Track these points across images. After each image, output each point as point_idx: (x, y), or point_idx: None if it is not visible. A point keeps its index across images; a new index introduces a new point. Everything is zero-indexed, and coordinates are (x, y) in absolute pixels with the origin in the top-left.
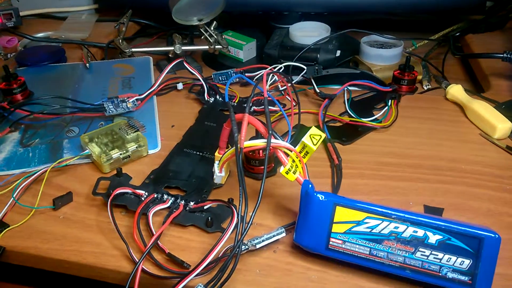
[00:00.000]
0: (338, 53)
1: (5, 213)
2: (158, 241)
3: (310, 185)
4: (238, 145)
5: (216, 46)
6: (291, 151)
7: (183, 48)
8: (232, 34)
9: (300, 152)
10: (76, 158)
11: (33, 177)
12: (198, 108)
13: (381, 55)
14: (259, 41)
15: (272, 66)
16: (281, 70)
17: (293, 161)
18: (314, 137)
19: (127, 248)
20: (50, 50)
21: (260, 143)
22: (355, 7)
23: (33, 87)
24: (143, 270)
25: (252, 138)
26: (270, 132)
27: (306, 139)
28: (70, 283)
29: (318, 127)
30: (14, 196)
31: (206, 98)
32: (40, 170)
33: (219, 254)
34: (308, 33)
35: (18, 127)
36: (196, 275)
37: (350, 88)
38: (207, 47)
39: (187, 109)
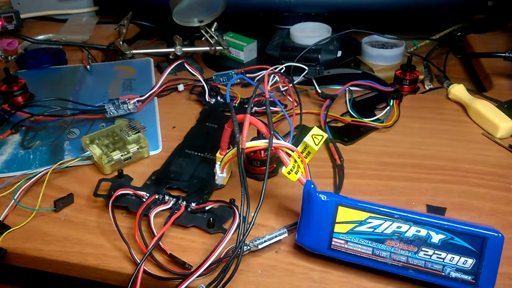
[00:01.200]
0: (339, 53)
1: (6, 215)
2: (160, 242)
3: (312, 185)
4: (240, 146)
5: (217, 47)
6: (293, 151)
7: (184, 49)
8: (233, 35)
9: (302, 152)
10: (77, 159)
11: (34, 179)
12: (199, 109)
13: (383, 55)
14: (260, 42)
15: (273, 67)
16: (282, 71)
17: (295, 161)
18: (316, 137)
19: (129, 250)
20: (50, 52)
21: (261, 143)
22: (355, 8)
23: (34, 90)
24: (144, 271)
25: (253, 139)
26: (272, 132)
27: (308, 139)
28: (71, 284)
29: (320, 127)
30: (15, 198)
31: (207, 99)
32: (41, 172)
33: (221, 255)
34: (309, 33)
35: (19, 129)
36: (198, 276)
37: (351, 88)
38: (208, 48)
39: (188, 110)
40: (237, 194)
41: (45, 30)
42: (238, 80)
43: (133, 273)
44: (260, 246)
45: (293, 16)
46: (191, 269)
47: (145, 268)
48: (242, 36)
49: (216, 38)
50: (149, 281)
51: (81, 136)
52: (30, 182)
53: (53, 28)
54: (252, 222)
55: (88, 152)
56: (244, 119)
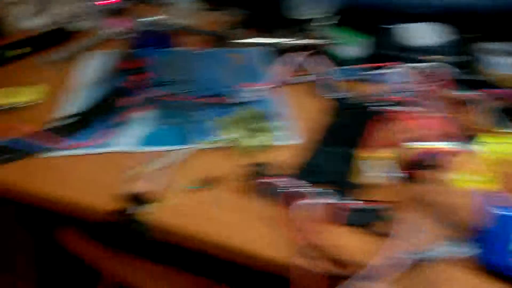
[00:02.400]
0: (464, 58)
1: (147, 190)
2: (314, 237)
3: (498, 199)
4: (405, 147)
5: (329, 42)
6: (462, 154)
7: (299, 42)
8: (346, 31)
9: (482, 160)
10: (214, 142)
11: (174, 156)
12: (327, 103)
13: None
14: (372, 39)
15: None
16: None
17: (471, 169)
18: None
19: (280, 240)
20: (159, 35)
21: (428, 146)
22: (478, 9)
23: (154, 70)
24: (296, 265)
25: (415, 140)
26: (451, 135)
27: (484, 146)
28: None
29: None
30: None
31: (335, 95)
32: (182, 150)
33: (387, 260)
34: (424, 34)
35: (152, 105)
36: (361, 278)
37: None
38: (319, 42)
39: (315, 104)
40: (389, 195)
41: (148, 12)
42: (361, 76)
43: (285, 266)
44: (433, 258)
45: (406, 15)
46: (352, 269)
47: (296, 261)
48: (355, 32)
49: (328, 33)
50: (302, 276)
51: (213, 119)
52: (170, 159)
53: (155, 11)
54: (419, 231)
55: (225, 136)
56: (402, 118)
